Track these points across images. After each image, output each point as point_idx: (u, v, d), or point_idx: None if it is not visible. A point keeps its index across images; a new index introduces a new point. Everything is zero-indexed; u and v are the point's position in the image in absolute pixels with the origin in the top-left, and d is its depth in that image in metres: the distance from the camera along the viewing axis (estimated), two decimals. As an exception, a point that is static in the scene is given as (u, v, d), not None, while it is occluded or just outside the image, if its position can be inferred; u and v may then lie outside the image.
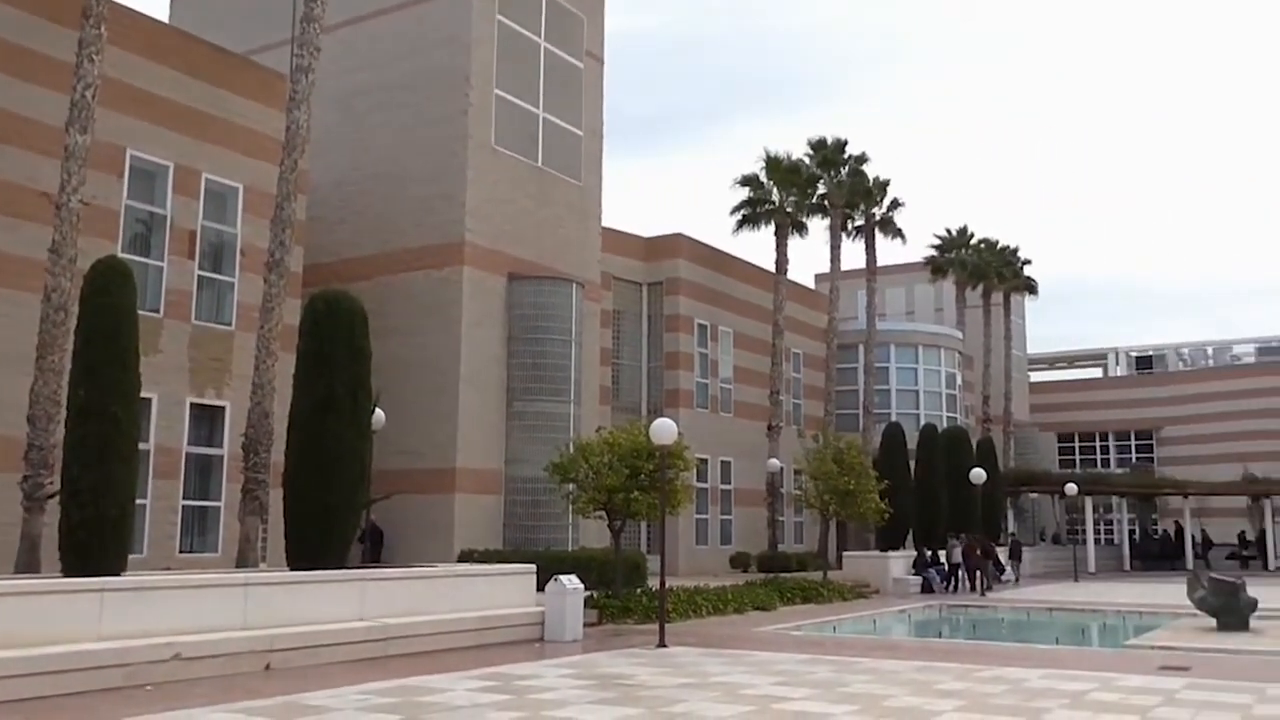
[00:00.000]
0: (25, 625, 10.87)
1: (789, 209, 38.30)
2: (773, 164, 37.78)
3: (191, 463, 20.55)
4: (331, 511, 15.08)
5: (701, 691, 11.39)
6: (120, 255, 16.96)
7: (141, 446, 15.57)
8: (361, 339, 15.80)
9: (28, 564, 15.09)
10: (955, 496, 34.32)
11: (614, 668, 13.41)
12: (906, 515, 32.61)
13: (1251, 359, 67.61)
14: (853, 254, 42.40)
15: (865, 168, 40.36)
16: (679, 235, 36.80)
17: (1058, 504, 52.42)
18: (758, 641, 17.01)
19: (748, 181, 38.05)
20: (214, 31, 24.87)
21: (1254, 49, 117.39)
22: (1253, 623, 19.20)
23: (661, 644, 15.60)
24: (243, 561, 17.91)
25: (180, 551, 19.95)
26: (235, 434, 19.77)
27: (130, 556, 13.81)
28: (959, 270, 51.06)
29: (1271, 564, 47.30)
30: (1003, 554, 34.93)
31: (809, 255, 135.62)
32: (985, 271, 51.05)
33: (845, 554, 33.30)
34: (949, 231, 51.86)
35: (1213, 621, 19.35)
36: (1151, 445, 61.54)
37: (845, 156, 39.85)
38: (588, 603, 17.97)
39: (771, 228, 38.20)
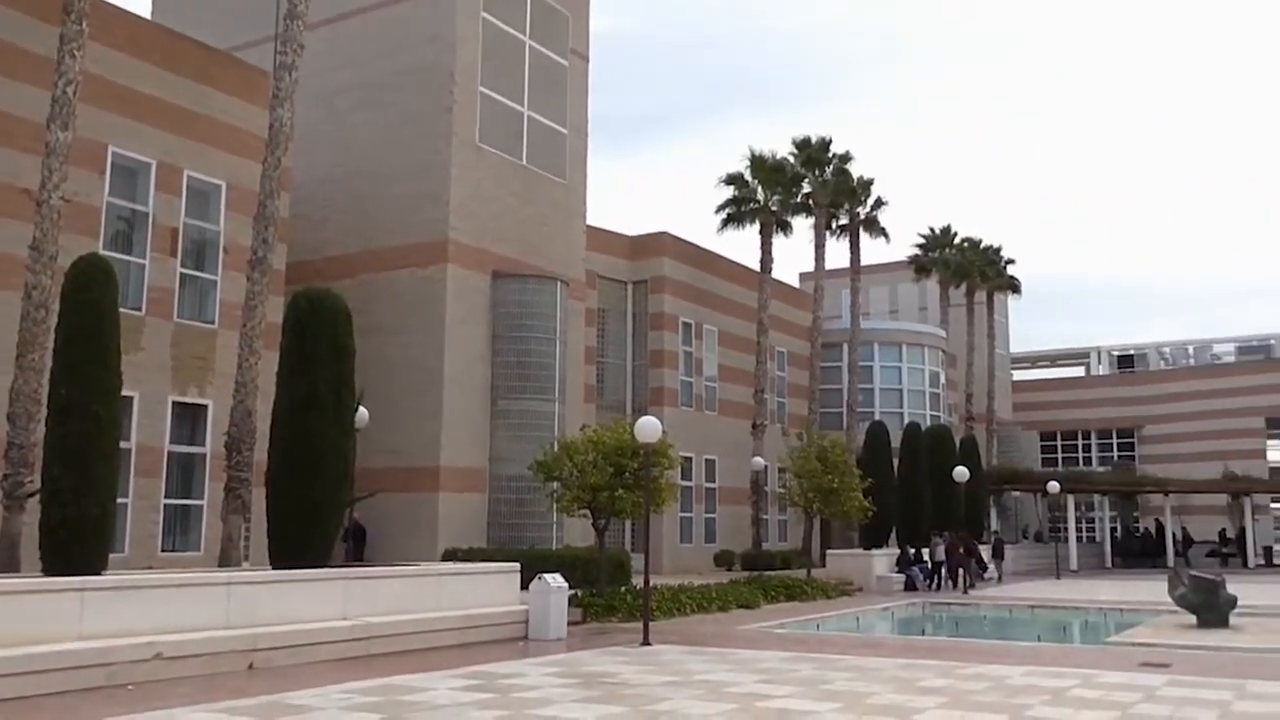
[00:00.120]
0: (5, 625, 10.80)
1: (774, 208, 38.35)
2: (757, 163, 37.83)
3: (174, 461, 20.45)
4: (314, 510, 15.04)
5: (685, 689, 11.41)
6: (102, 253, 16.84)
7: (123, 445, 15.49)
8: (345, 337, 15.76)
9: (7, 563, 14.99)
10: (938, 495, 34.45)
11: (598, 666, 13.41)
12: (890, 513, 32.71)
13: (1231, 358, 68.14)
14: (837, 253, 42.55)
15: (849, 167, 40.44)
16: (664, 234, 36.81)
17: (1040, 502, 52.70)
18: (741, 639, 17.04)
19: (733, 180, 38.09)
20: (197, 28, 24.72)
21: (1248, 51, 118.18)
22: (1232, 620, 19.35)
23: (645, 642, 15.62)
24: (225, 560, 17.84)
25: (162, 550, 19.85)
26: (218, 432, 19.69)
27: (112, 556, 13.76)
28: (942, 269, 51.23)
29: (1251, 561, 47.68)
30: (985, 552, 35.08)
31: (794, 254, 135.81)
32: (969, 271, 51.23)
33: (829, 552, 33.38)
34: (933, 230, 52.04)
35: (1193, 619, 19.49)
36: (1133, 443, 61.90)
37: (829, 155, 39.90)
38: (572, 601, 17.97)
39: (756, 226, 38.24)
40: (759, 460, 34.86)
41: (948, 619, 24.45)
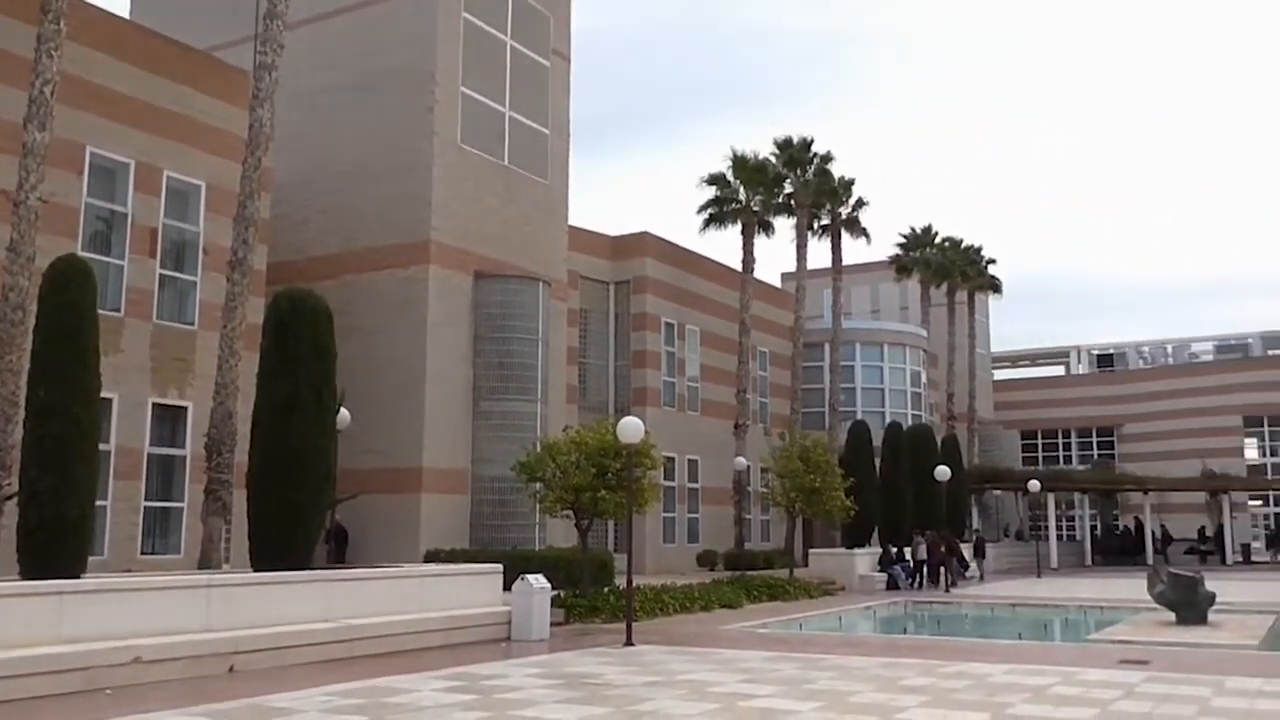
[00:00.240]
0: (-17, 629, 10.72)
1: (755, 208, 38.40)
2: (739, 163, 37.88)
3: (153, 463, 20.33)
4: (296, 512, 14.99)
5: (668, 690, 11.42)
6: (80, 253, 16.73)
7: (102, 447, 15.35)
8: (326, 338, 15.71)
9: (-15, 567, 14.86)
10: (920, 494, 34.57)
11: (581, 667, 13.41)
12: (872, 512, 32.81)
13: (1210, 357, 68.63)
14: (819, 253, 42.63)
15: (831, 167, 40.45)
16: (645, 234, 36.82)
17: (1021, 500, 52.90)
18: (724, 639, 17.07)
19: (715, 180, 38.12)
20: (176, 27, 24.56)
21: (1244, 52, 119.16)
22: (1211, 617, 19.49)
23: (628, 642, 15.62)
24: (205, 563, 17.72)
25: (142, 553, 19.73)
26: (198, 434, 19.55)
27: (91, 558, 13.65)
28: (923, 269, 51.43)
29: (1229, 559, 48.06)
30: (967, 551, 35.23)
31: (776, 254, 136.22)
32: (950, 270, 51.45)
33: (811, 551, 33.44)
34: (913, 230, 52.23)
35: (1172, 616, 19.64)
36: (1113, 442, 62.31)
37: (811, 155, 39.96)
38: (555, 602, 17.96)
39: (738, 227, 38.27)
40: (741, 460, 34.91)
41: (930, 618, 24.55)
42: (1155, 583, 20.45)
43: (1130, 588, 25.91)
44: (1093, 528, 53.43)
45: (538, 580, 16.95)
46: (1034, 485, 43.29)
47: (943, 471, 33.30)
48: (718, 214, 38.15)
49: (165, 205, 20.87)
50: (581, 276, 34.23)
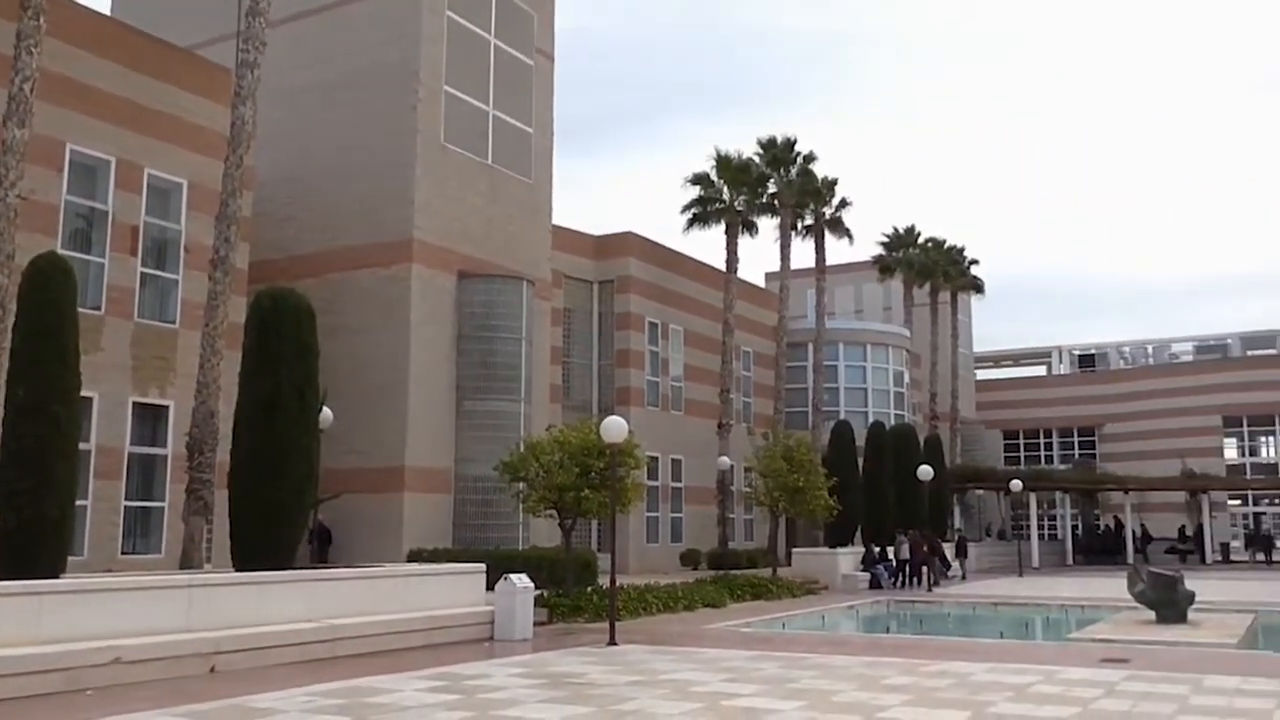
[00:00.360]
0: (-39, 629, 10.64)
1: (739, 208, 38.45)
2: (723, 163, 37.92)
3: (134, 463, 20.22)
4: (278, 511, 14.93)
5: (651, 689, 11.43)
6: (60, 251, 16.64)
7: (82, 446, 15.26)
8: (308, 336, 15.65)
9: (-36, 567, 14.75)
10: (903, 493, 34.67)
11: (564, 666, 13.41)
12: (855, 512, 32.88)
13: (1189, 357, 69.10)
14: (803, 253, 42.72)
15: (814, 167, 40.54)
16: (629, 234, 36.82)
17: (1003, 500, 53.18)
18: (707, 639, 17.09)
19: (698, 180, 38.15)
20: (157, 24, 24.44)
21: (1237, 53, 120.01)
22: (1190, 615, 19.64)
23: (612, 642, 15.62)
24: (187, 563, 17.63)
25: (122, 553, 19.61)
26: (179, 433, 19.47)
27: (71, 558, 13.58)
28: (906, 269, 51.60)
29: (1209, 558, 48.40)
30: (949, 550, 35.37)
31: (759, 254, 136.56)
32: (932, 270, 51.63)
33: (795, 551, 33.50)
34: (896, 230, 52.39)
35: (1152, 614, 19.77)
36: (1094, 442, 62.68)
37: (794, 155, 40.03)
38: (538, 601, 17.95)
39: (722, 227, 38.33)
40: (725, 460, 34.96)
41: (912, 617, 24.64)
42: (1135, 582, 20.58)
43: (1111, 587, 26.06)
44: (1074, 527, 53.73)
45: (521, 580, 16.93)
46: (1016, 485, 43.54)
47: (925, 471, 33.42)
48: (701, 214, 38.19)
49: (146, 203, 20.76)
50: (565, 276, 34.21)
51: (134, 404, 20.15)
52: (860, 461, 34.98)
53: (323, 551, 23.53)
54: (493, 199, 28.29)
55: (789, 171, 40.06)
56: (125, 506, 19.94)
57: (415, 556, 22.88)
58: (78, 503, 14.34)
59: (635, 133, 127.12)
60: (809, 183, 40.50)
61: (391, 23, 27.01)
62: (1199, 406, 58.32)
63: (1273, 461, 59.21)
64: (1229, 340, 69.67)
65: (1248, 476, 57.70)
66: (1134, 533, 48.24)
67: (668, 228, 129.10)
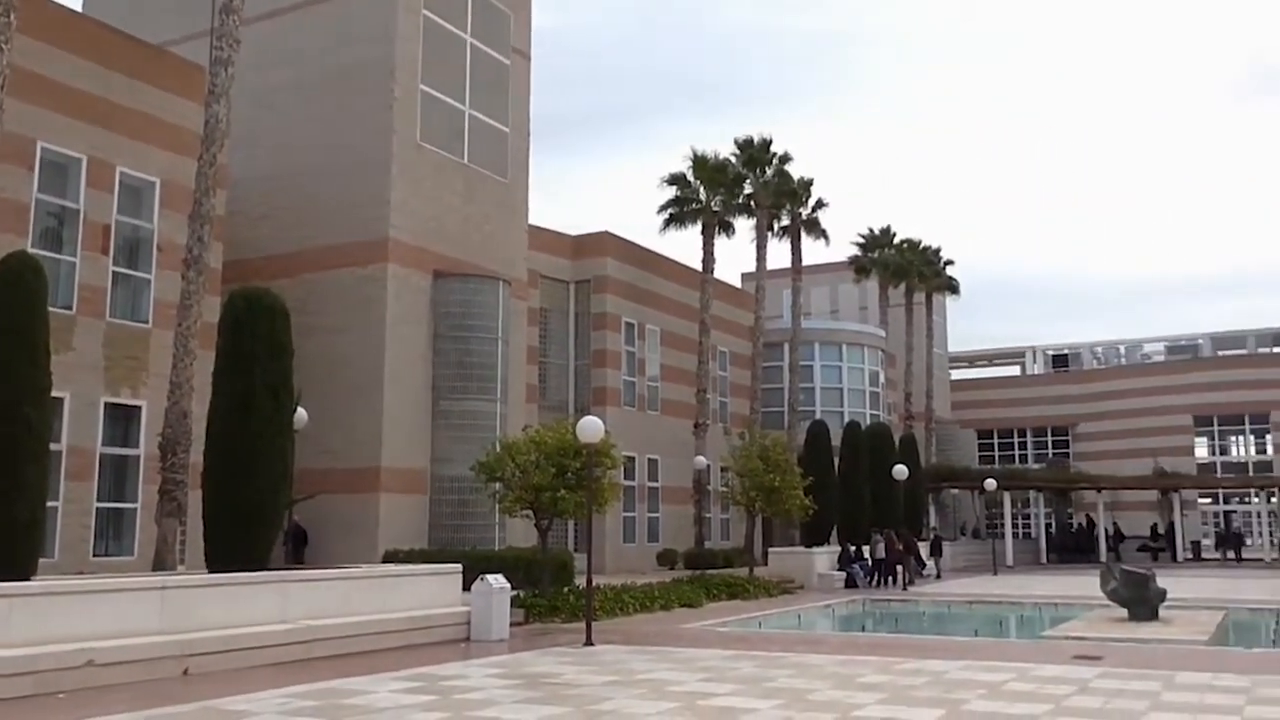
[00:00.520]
0: (-71, 633, 10.51)
1: (716, 208, 38.48)
2: (700, 163, 37.94)
3: (106, 464, 20.03)
4: (252, 512, 14.84)
5: (627, 689, 11.43)
6: (30, 250, 16.46)
7: (53, 447, 15.12)
8: (283, 336, 15.56)
9: (-68, 569, 14.57)
10: (878, 493, 34.81)
11: (540, 667, 13.39)
12: (831, 511, 33.00)
13: (1161, 357, 69.83)
14: (779, 253, 42.88)
15: (789, 168, 40.65)
16: (606, 234, 36.80)
17: (977, 499, 53.56)
18: (684, 638, 17.10)
19: (675, 180, 38.16)
20: (130, 21, 24.23)
21: (1233, 53, 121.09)
22: (1162, 613, 19.84)
23: (588, 642, 15.62)
24: (160, 565, 17.49)
25: (94, 555, 19.43)
26: (152, 434, 19.30)
27: (41, 561, 13.43)
28: (882, 270, 51.82)
29: (1180, 555, 48.87)
30: (924, 549, 35.53)
31: (736, 254, 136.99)
32: (908, 271, 51.86)
33: (771, 550, 33.61)
34: (872, 231, 52.57)
35: (1124, 612, 19.96)
36: (1067, 441, 63.15)
37: (770, 155, 40.11)
38: (515, 602, 17.91)
39: (699, 227, 38.35)
40: (701, 459, 35.00)
41: (887, 615, 24.75)
42: (1108, 580, 20.77)
43: (1084, 585, 26.29)
44: (1048, 526, 54.13)
45: (497, 580, 16.90)
46: (990, 484, 43.84)
47: (900, 470, 33.57)
48: (678, 214, 38.20)
49: (118, 201, 20.57)
50: (542, 276, 34.16)
51: (106, 404, 19.96)
52: (836, 461, 35.10)
53: (298, 552, 23.40)
54: (469, 198, 28.21)
55: (765, 172, 40.14)
56: (97, 508, 19.76)
57: (391, 557, 22.79)
58: (48, 504, 14.18)
59: (623, 133, 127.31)
60: (785, 183, 40.61)
61: (367, 21, 26.88)
62: (1170, 406, 58.87)
63: (1243, 460, 59.86)
64: (1200, 341, 70.46)
65: (1218, 475, 58.32)
66: (1107, 531, 48.63)
67: (650, 228, 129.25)
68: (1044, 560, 49.16)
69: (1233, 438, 60.68)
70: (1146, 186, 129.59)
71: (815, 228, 42.80)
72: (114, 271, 20.48)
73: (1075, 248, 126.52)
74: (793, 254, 42.93)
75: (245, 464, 14.78)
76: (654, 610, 21.76)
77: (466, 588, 17.20)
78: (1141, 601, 19.81)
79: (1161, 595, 19.99)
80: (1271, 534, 52.19)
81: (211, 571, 14.63)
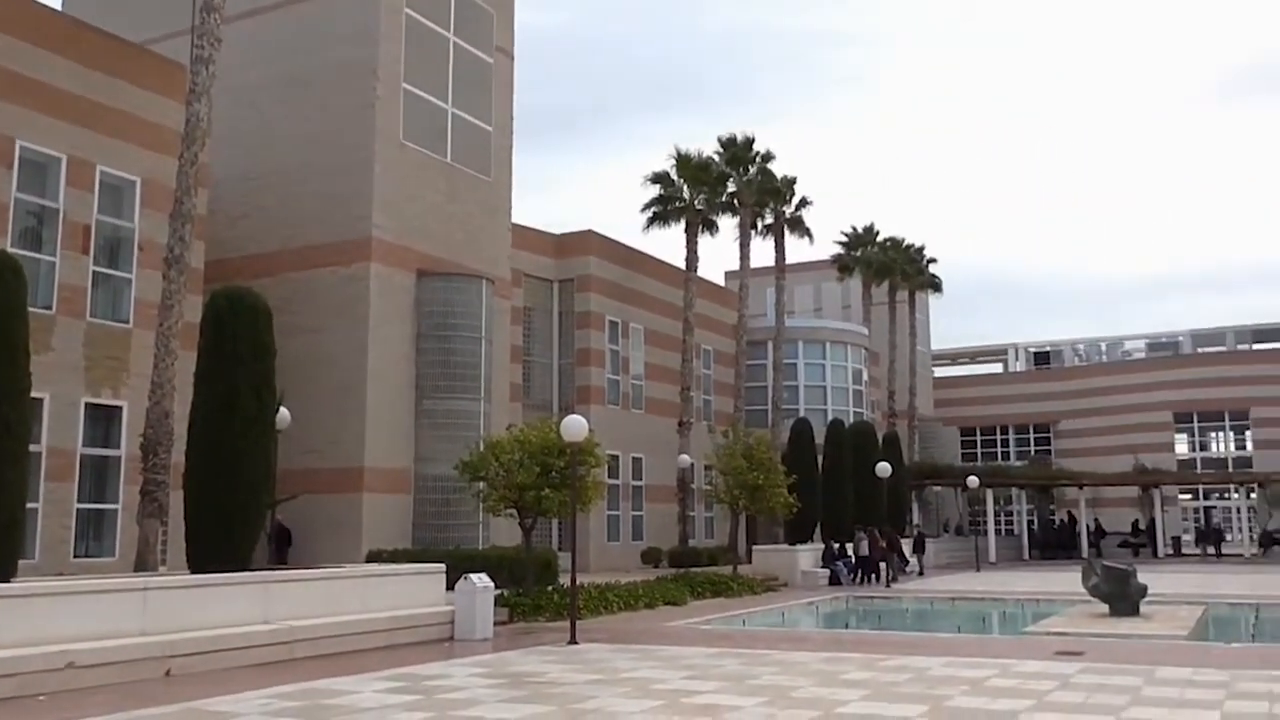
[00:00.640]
0: (-92, 635, 10.43)
1: (699, 206, 38.49)
2: (683, 161, 37.95)
3: (87, 464, 19.90)
4: (234, 513, 14.80)
5: (612, 688, 11.44)
6: (9, 249, 16.32)
7: (33, 448, 15.03)
8: (265, 336, 15.52)
9: (-89, 572, 14.45)
10: (862, 490, 34.94)
11: (524, 665, 13.39)
12: (814, 509, 33.11)
13: (1142, 354, 70.22)
14: (763, 252, 42.94)
15: (772, 166, 40.67)
16: (589, 232, 36.78)
17: (960, 496, 53.78)
18: (668, 636, 17.13)
19: (659, 179, 38.15)
20: (110, 20, 24.08)
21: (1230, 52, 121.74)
22: (1143, 608, 19.97)
23: (572, 641, 15.63)
24: (141, 566, 17.38)
25: (75, 556, 19.30)
26: (133, 434, 19.19)
27: (21, 562, 13.34)
28: (865, 268, 51.98)
29: (1161, 551, 49.19)
30: (907, 546, 35.67)
31: (720, 253, 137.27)
32: (890, 269, 52.03)
33: (755, 548, 33.67)
34: (855, 229, 52.71)
35: (1105, 608, 20.08)
36: (1049, 438, 63.47)
37: (753, 154, 40.13)
38: (498, 601, 17.91)
39: (682, 225, 38.37)
40: (685, 458, 35.03)
41: (871, 612, 24.83)
42: (1090, 575, 20.89)
43: (1066, 581, 26.43)
44: (1030, 522, 54.43)
45: (481, 579, 16.89)
46: (973, 481, 44.05)
47: (883, 468, 33.70)
48: (662, 212, 38.21)
49: (99, 201, 20.44)
50: (525, 275, 34.12)
51: (86, 405, 19.84)
52: (819, 459, 35.23)
53: (282, 553, 23.33)
54: (452, 197, 28.15)
55: (748, 170, 40.17)
56: (78, 509, 19.63)
57: (375, 557, 22.73)
58: (28, 505, 14.10)
59: (607, 132, 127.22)
60: (768, 182, 40.66)
61: (349, 20, 26.78)
62: (1151, 403, 59.26)
63: (1222, 456, 60.32)
64: (1180, 338, 70.87)
65: (1198, 471, 58.72)
66: (1088, 527, 48.92)
67: (634, 226, 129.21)
68: (1026, 557, 49.40)
69: (1213, 434, 61.11)
70: (1130, 185, 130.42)
71: (799, 226, 42.88)
72: (94, 271, 20.34)
73: (1064, 247, 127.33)
74: (776, 252, 43.02)
75: (228, 464, 14.74)
76: (638, 609, 21.79)
77: (450, 587, 17.19)
78: (1123, 597, 19.94)
79: (1142, 591, 20.12)
80: (1251, 529, 52.60)
81: (194, 572, 14.58)
